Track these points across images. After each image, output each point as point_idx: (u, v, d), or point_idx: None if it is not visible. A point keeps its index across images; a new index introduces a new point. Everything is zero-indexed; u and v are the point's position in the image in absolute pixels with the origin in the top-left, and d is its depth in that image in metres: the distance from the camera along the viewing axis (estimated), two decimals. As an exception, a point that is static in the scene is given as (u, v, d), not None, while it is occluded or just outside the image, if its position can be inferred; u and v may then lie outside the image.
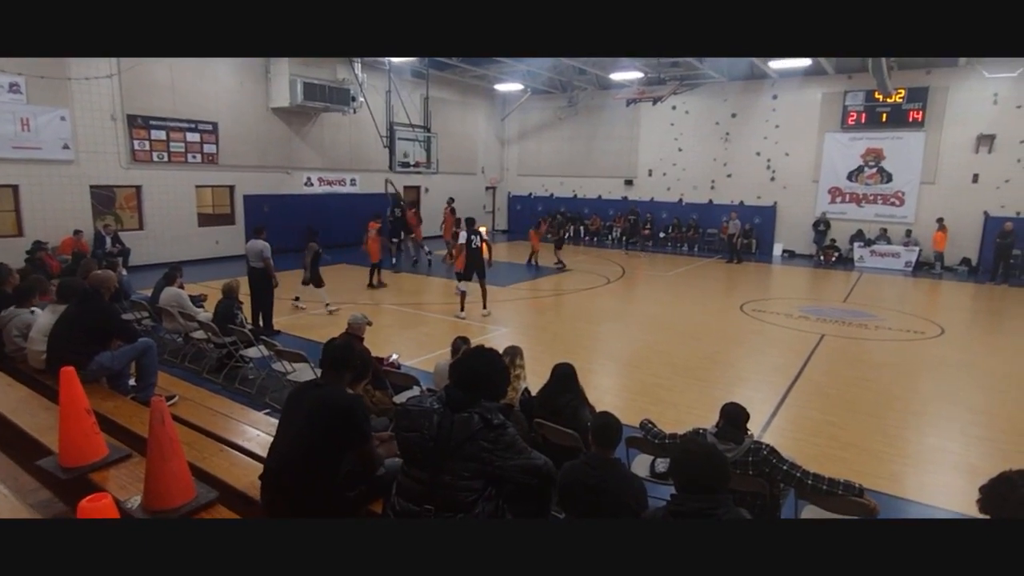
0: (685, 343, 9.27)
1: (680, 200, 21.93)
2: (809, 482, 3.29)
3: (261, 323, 9.00)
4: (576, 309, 11.64)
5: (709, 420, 3.86)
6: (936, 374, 8.25)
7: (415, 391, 5.17)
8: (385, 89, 18.48)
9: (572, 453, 3.72)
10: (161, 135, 14.70)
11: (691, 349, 8.92)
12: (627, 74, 19.18)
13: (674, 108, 21.27)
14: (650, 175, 22.54)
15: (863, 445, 5.76)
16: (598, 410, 4.50)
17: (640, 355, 8.72)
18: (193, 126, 15.29)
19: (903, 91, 17.62)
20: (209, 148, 15.71)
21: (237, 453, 3.64)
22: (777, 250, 20.08)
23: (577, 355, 8.02)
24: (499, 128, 25.58)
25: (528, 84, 22.27)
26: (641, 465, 4.21)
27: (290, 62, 15.98)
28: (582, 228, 23.31)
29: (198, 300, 8.35)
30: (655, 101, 19.57)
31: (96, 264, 7.49)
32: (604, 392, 7.10)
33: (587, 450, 3.59)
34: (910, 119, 17.74)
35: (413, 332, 9.48)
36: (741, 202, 20.68)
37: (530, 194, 25.05)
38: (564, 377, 4.11)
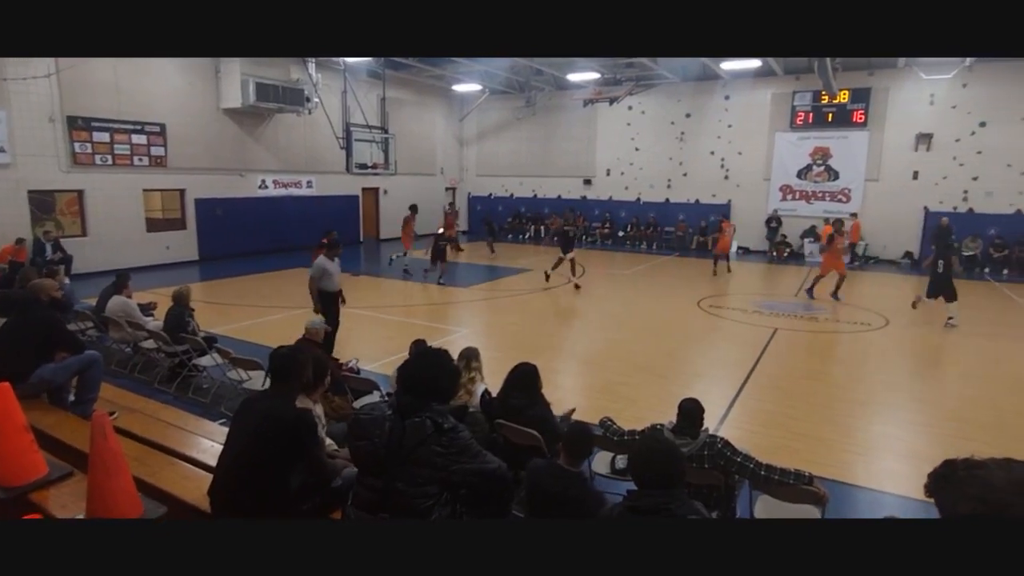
0: (644, 340, 9.41)
1: (638, 199, 22.28)
2: (762, 473, 3.38)
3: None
4: (537, 309, 11.69)
5: (668, 415, 3.93)
6: (882, 364, 8.59)
7: (375, 396, 5.11)
8: (340, 90, 18.22)
9: (533, 453, 3.74)
10: (104, 137, 14.13)
11: (650, 346, 9.07)
12: (584, 75, 19.38)
13: (630, 108, 21.59)
14: (608, 174, 22.83)
15: (815, 435, 5.96)
16: (559, 411, 4.55)
17: (601, 353, 8.81)
18: (139, 128, 14.75)
19: (847, 92, 18.30)
20: (157, 150, 15.18)
21: (189, 466, 3.53)
22: (733, 247, 20.56)
23: (539, 354, 8.04)
24: (458, 129, 25.51)
25: (486, 84, 22.27)
26: (602, 462, 4.26)
27: (241, 61, 15.57)
28: (542, 228, 23.43)
29: (147, 308, 8.06)
30: (611, 101, 19.84)
31: (36, 273, 7.15)
32: (566, 391, 7.15)
33: (549, 453, 3.62)
34: (854, 119, 18.44)
35: (373, 335, 9.37)
36: (697, 200, 21.13)
37: (490, 194, 25.06)
38: (525, 377, 4.12)
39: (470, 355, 4.39)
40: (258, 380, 5.78)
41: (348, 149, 17.65)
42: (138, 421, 4.31)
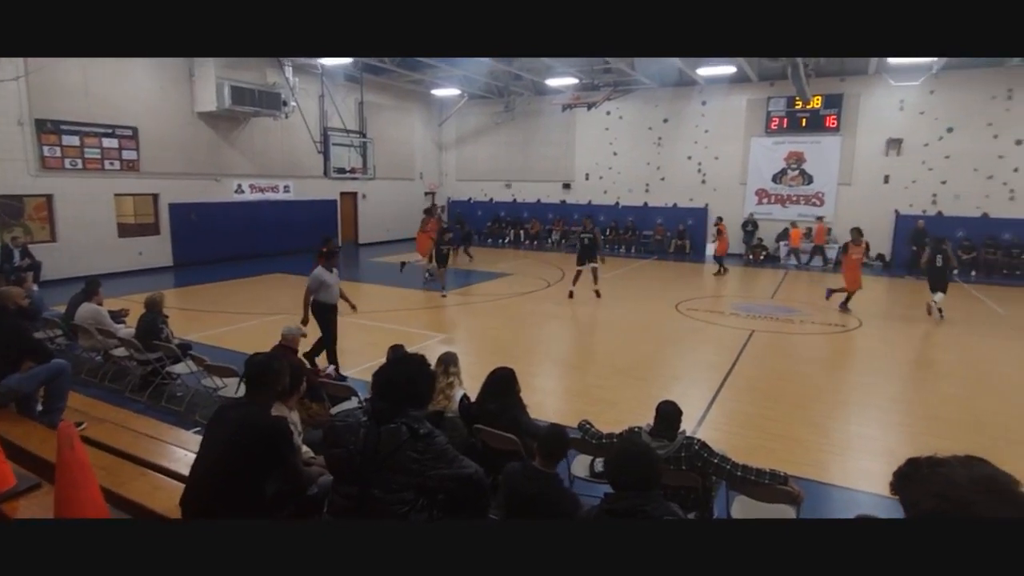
0: (623, 343, 9.46)
1: (617, 203, 22.43)
2: (738, 473, 3.42)
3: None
4: (517, 313, 11.69)
5: (647, 418, 3.95)
6: (856, 365, 8.75)
7: (353, 402, 5.06)
8: (318, 94, 18.10)
9: (512, 457, 3.73)
10: (74, 141, 13.84)
11: (629, 349, 9.12)
12: (562, 80, 19.49)
13: (608, 113, 21.75)
14: (587, 179, 22.96)
15: (791, 435, 6.04)
16: (539, 414, 4.55)
17: (580, 356, 8.84)
18: (110, 131, 14.48)
19: (820, 98, 18.66)
20: (129, 154, 14.91)
21: (161, 476, 3.46)
22: (709, 250, 20.78)
23: (518, 358, 8.05)
24: (437, 133, 25.47)
25: (465, 89, 22.29)
26: (581, 465, 4.26)
27: (216, 64, 15.38)
28: (522, 232, 23.49)
29: (119, 315, 7.89)
30: (590, 107, 19.97)
31: (4, 280, 6.98)
32: (545, 395, 7.16)
33: (527, 456, 3.61)
34: (827, 124, 18.80)
35: (353, 342, 9.28)
36: (675, 204, 21.35)
37: (469, 199, 25.05)
38: (502, 381, 4.11)
39: (448, 360, 4.37)
40: (233, 387, 5.69)
41: (326, 153, 17.55)
42: (108, 431, 4.21)
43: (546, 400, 6.91)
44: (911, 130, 17.97)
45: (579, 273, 12.81)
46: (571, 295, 12.63)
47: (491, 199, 24.76)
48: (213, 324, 9.99)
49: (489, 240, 23.55)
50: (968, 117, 17.25)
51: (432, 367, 3.89)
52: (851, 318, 11.18)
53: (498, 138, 24.23)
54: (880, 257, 18.53)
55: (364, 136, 19.12)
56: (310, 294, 7.35)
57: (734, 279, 16.36)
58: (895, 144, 18.20)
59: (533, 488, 3.01)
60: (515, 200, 24.35)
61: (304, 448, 3.59)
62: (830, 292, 11.99)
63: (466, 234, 19.30)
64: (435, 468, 2.24)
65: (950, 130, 17.52)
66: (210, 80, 15.57)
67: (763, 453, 5.41)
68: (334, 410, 5.02)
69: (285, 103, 16.89)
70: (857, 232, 12.13)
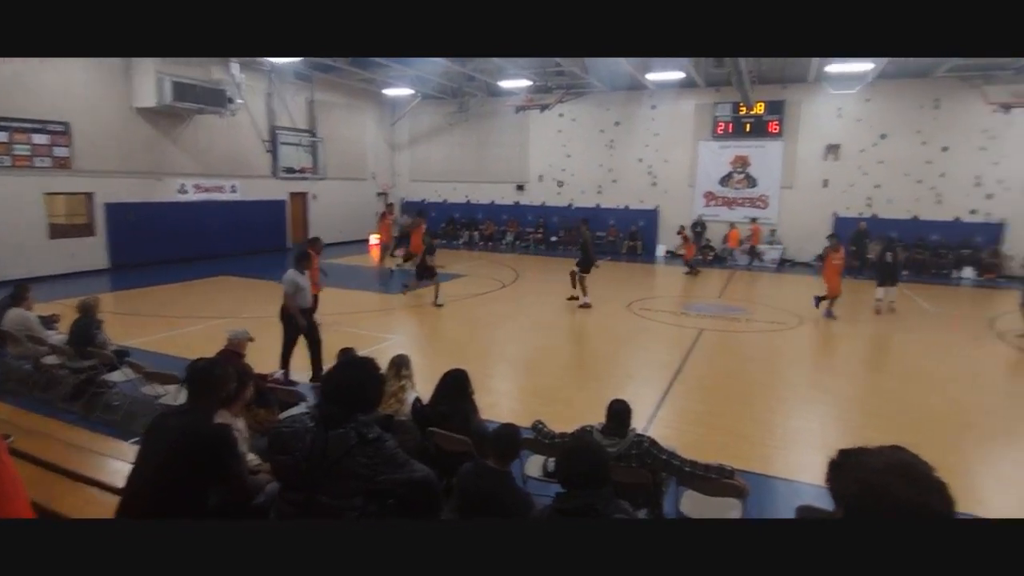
0: (577, 343, 9.57)
1: (570, 204, 22.67)
2: (687, 469, 3.51)
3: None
4: (471, 314, 11.67)
5: (600, 417, 4.00)
6: (797, 361, 9.09)
7: (303, 407, 4.94)
8: (266, 91, 17.63)
9: (465, 459, 3.72)
10: (1, 137, 13.07)
11: (583, 349, 9.23)
12: (515, 82, 19.56)
13: (561, 116, 21.97)
14: (541, 180, 23.12)
15: (737, 431, 6.23)
16: (494, 415, 4.56)
17: (534, 357, 8.89)
18: (40, 127, 13.73)
19: (763, 104, 19.33)
20: (61, 151, 14.17)
21: (95, 490, 3.30)
22: (660, 251, 21.28)
23: (473, 360, 8.04)
24: (389, 133, 25.19)
25: (418, 89, 22.09)
26: (534, 466, 4.29)
27: (155, 59, 14.78)
28: (476, 233, 23.46)
29: (50, 321, 7.48)
30: (543, 108, 20.13)
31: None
32: (500, 395, 7.18)
33: (480, 457, 3.61)
34: (770, 129, 19.50)
35: (302, 345, 9.07)
36: (626, 206, 21.72)
37: (423, 200, 24.84)
38: (455, 383, 4.10)
39: (400, 363, 4.33)
40: (176, 395, 5.48)
41: (274, 153, 17.13)
42: (38, 443, 3.99)
43: (501, 401, 6.92)
44: (848, 136, 18.82)
45: (581, 279, 12.27)
46: (588, 304, 12.05)
47: (445, 200, 24.63)
48: (154, 329, 9.60)
49: (443, 241, 23.40)
50: (900, 125, 18.20)
51: (384, 370, 3.85)
52: (792, 316, 11.61)
53: (452, 139, 24.14)
54: (820, 258, 19.29)
55: (314, 135, 18.74)
56: (291, 299, 7.06)
57: (684, 280, 16.76)
58: (833, 149, 19.03)
59: (486, 487, 3.02)
60: (469, 201, 24.30)
61: (251, 456, 3.49)
62: (817, 301, 11.75)
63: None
64: (384, 473, 2.21)
65: (884, 137, 18.44)
66: (150, 75, 14.95)
67: (711, 448, 5.56)
68: (283, 415, 4.90)
69: (231, 100, 16.37)
70: (835, 239, 12.17)
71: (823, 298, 11.66)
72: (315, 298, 9.57)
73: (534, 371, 8.21)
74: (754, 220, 19.61)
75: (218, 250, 17.51)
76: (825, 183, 19.26)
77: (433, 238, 13.22)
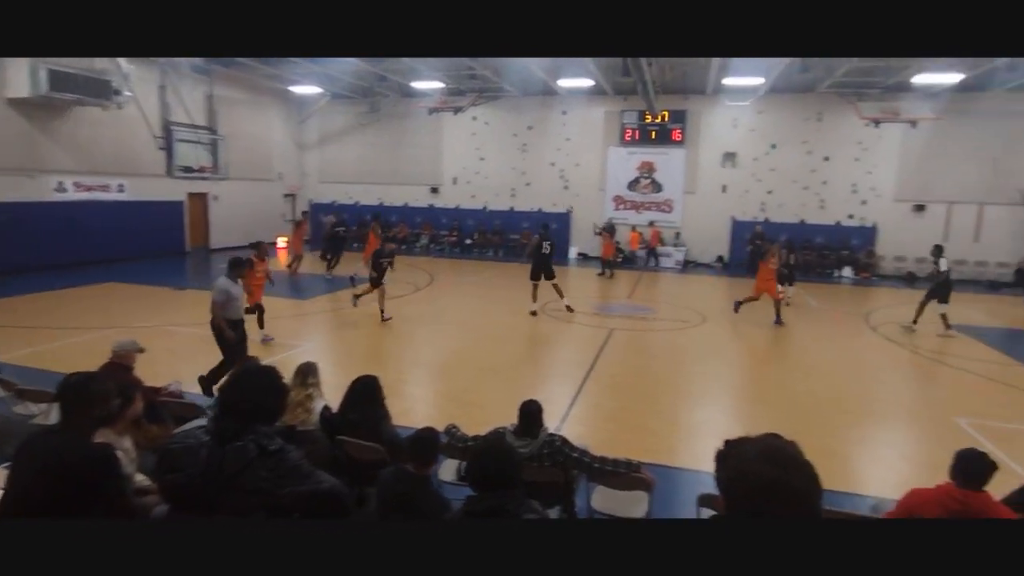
0: (491, 346, 9.61)
1: (484, 207, 22.76)
2: (596, 466, 3.61)
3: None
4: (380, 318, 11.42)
5: (514, 419, 4.03)
6: (701, 357, 9.58)
7: (201, 422, 4.65)
8: (158, 84, 16.46)
9: (378, 467, 3.64)
10: None
11: (497, 351, 9.28)
12: (428, 83, 19.42)
13: (475, 119, 22.04)
14: (455, 183, 23.07)
15: (646, 426, 6.48)
16: (408, 421, 4.49)
17: (448, 361, 8.84)
18: None
19: (667, 113, 20.29)
20: (-87, 144, 12.58)
21: (-47, 523, 2.94)
22: (572, 253, 21.79)
23: (385, 365, 7.89)
24: (297, 132, 24.25)
25: (327, 88, 21.43)
26: (448, 470, 4.26)
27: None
28: (390, 236, 23.02)
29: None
30: (456, 111, 20.13)
31: None
32: (414, 401, 7.08)
33: (394, 463, 3.55)
34: (673, 137, 20.52)
35: (201, 355, 8.54)
36: (540, 209, 22.08)
37: (333, 202, 24.10)
38: (365, 389, 4.01)
39: (307, 371, 4.17)
40: (49, 414, 4.99)
41: (169, 150, 16.00)
42: None
43: (416, 406, 6.83)
44: (743, 145, 20.13)
45: (557, 289, 11.78)
46: (535, 312, 11.61)
47: (357, 202, 24.00)
48: (29, 342, 8.72)
49: (355, 244, 22.78)
50: (788, 135, 19.68)
51: (290, 378, 3.69)
52: (695, 314, 12.23)
53: (364, 139, 23.60)
54: (720, 259, 20.53)
55: (214, 133, 17.68)
56: (219, 309, 6.56)
57: (597, 281, 17.24)
58: (730, 157, 20.29)
59: (405, 492, 3.03)
60: (382, 203, 23.81)
61: (140, 477, 3.24)
62: (738, 305, 11.91)
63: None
64: (288, 486, 2.11)
65: (774, 146, 19.87)
66: (22, 63, 13.57)
67: (622, 444, 5.73)
68: (179, 431, 4.58)
69: (118, 92, 15.14)
70: (775, 244, 12.40)
71: (777, 310, 11.66)
72: (260, 307, 9.10)
73: (449, 375, 8.16)
74: (651, 223, 20.52)
75: (106, 254, 16.15)
76: (724, 189, 20.48)
77: (388, 242, 11.67)
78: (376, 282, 10.62)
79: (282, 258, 18.88)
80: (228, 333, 6.60)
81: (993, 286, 17.77)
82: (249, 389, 2.16)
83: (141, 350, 5.07)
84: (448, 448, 4.10)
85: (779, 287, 12.78)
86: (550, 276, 11.71)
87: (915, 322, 11.22)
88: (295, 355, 8.36)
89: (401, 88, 21.29)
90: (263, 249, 9.64)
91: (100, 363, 4.80)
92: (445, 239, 22.68)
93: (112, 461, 2.24)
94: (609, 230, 18.38)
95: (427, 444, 3.19)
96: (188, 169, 16.49)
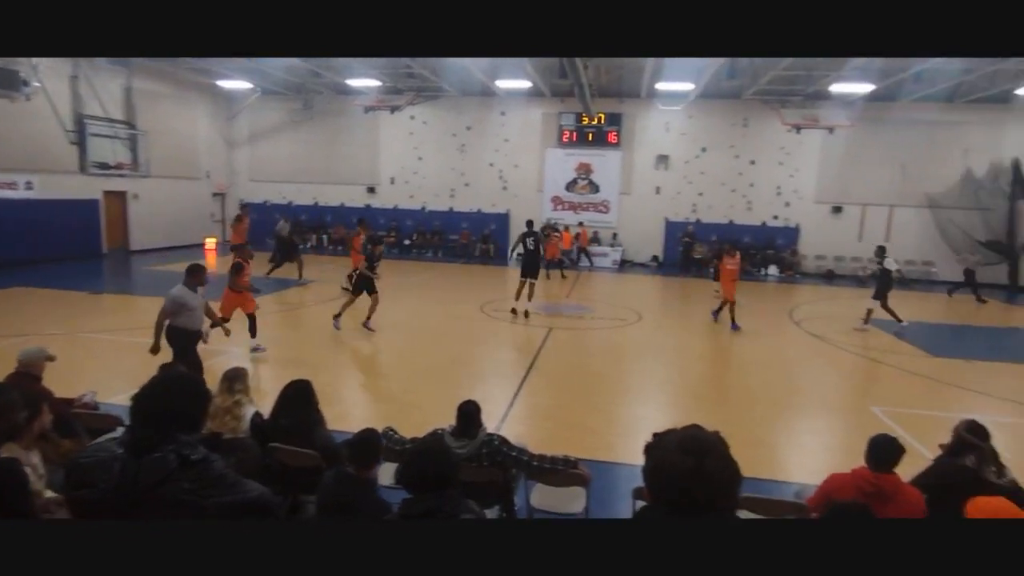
0: (430, 347, 9.52)
1: (423, 207, 22.55)
2: (534, 464, 3.63)
3: None
4: (318, 322, 11.12)
5: (453, 419, 4.00)
6: (637, 354, 9.82)
7: (117, 434, 4.38)
8: (70, 74, 15.41)
9: (312, 473, 3.53)
10: None
11: (436, 352, 9.20)
12: (364, 81, 19.05)
13: (412, 118, 21.81)
14: (392, 183, 22.74)
15: (584, 423, 6.57)
16: (346, 425, 4.38)
17: (386, 363, 8.71)
18: None
19: (603, 116, 20.70)
20: None
21: None
22: (512, 254, 21.88)
23: (321, 369, 7.68)
24: (226, 129, 23.26)
25: (257, 83, 20.66)
26: (386, 474, 4.18)
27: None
28: (325, 237, 22.48)
29: None
30: (393, 110, 19.85)
31: None
32: (352, 404, 6.94)
33: (331, 467, 3.46)
34: (609, 140, 20.96)
35: (119, 364, 8.06)
36: (479, 210, 22.08)
37: (265, 201, 23.26)
38: (297, 394, 3.88)
39: (233, 377, 3.99)
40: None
41: (82, 145, 15.01)
42: None
43: (353, 410, 6.68)
44: (675, 148, 20.80)
45: (522, 285, 11.69)
46: (515, 312, 11.54)
47: (290, 202, 23.24)
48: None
49: (339, 247, 22.15)
50: (717, 140, 20.47)
51: (218, 384, 3.53)
52: (631, 312, 12.52)
53: (297, 137, 22.90)
54: (655, 258, 21.14)
55: (133, 127, 16.73)
56: (165, 317, 6.06)
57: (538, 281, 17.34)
58: (663, 160, 20.92)
59: (346, 496, 2.95)
60: (317, 203, 23.19)
61: (49, 493, 3.02)
62: (716, 314, 11.84)
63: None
64: (212, 496, 2.00)
65: (704, 150, 20.63)
66: (-90, 47, 12.38)
67: (560, 442, 5.80)
68: (91, 444, 4.30)
69: (26, 83, 14.07)
70: (730, 245, 12.30)
71: (720, 308, 11.71)
72: (252, 319, 8.58)
73: (387, 377, 8.03)
74: (581, 224, 20.86)
75: (11, 256, 14.99)
76: (657, 190, 21.09)
77: (376, 244, 10.74)
78: (370, 290, 9.95)
79: (211, 260, 18.10)
80: (155, 343, 6.15)
81: (903, 283, 19.05)
82: (166, 396, 2.05)
83: (51, 358, 4.72)
84: (385, 451, 4.03)
85: (715, 284, 13.31)
86: (532, 275, 11.66)
87: (900, 320, 11.60)
88: (222, 362, 8.01)
89: (336, 85, 20.80)
90: (247, 252, 9.17)
91: (5, 373, 4.46)
92: (383, 240, 22.26)
93: (17, 476, 2.08)
94: (547, 230, 18.56)
95: (368, 446, 3.12)
96: (104, 165, 15.51)
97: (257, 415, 3.96)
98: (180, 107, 20.69)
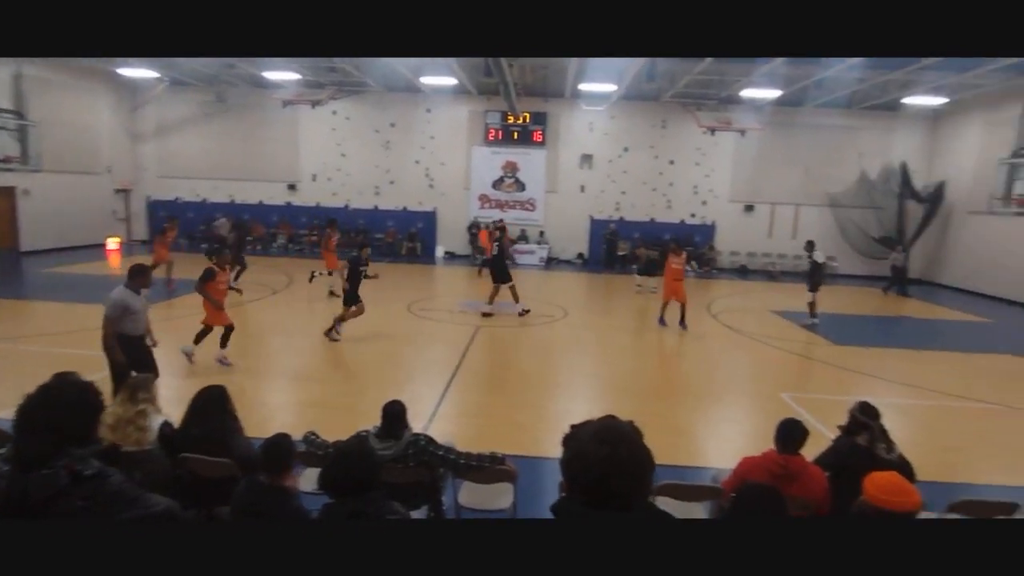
0: (356, 348, 9.30)
1: (347, 205, 21.99)
2: (461, 462, 3.62)
3: None
4: (238, 324, 10.62)
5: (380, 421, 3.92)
6: (563, 350, 9.99)
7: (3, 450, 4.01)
8: (-55, 58, 13.98)
9: (226, 484, 3.36)
10: None
11: (362, 353, 9.01)
12: (282, 74, 18.31)
13: (335, 113, 21.21)
14: (314, 180, 22.02)
15: (512, 419, 6.62)
16: (268, 431, 4.17)
17: (310, 366, 8.43)
18: None
19: (528, 115, 20.90)
20: None
21: None
22: (439, 252, 21.75)
23: (240, 375, 7.34)
24: (130, 121, 21.75)
25: (164, 73, 19.43)
26: (309, 479, 4.05)
27: None
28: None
29: None
30: (314, 105, 19.21)
31: None
32: (276, 409, 6.69)
33: (245, 476, 3.30)
34: (535, 138, 21.18)
35: (10, 375, 7.38)
36: (405, 208, 21.77)
37: (176, 198, 21.98)
38: (210, 401, 3.69)
39: (136, 385, 3.73)
40: None
41: (-38, 136, 13.66)
42: None
43: (276, 415, 6.44)
44: (599, 148, 21.30)
45: (496, 290, 11.72)
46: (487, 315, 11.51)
47: (205, 200, 22.07)
48: None
49: (204, 244, 20.96)
50: (638, 140, 21.13)
51: (120, 393, 3.30)
52: (558, 309, 12.72)
53: (211, 131, 21.74)
54: (580, 256, 21.57)
55: (23, 118, 15.38)
56: (113, 326, 5.54)
57: (461, 279, 17.35)
58: (587, 159, 21.38)
59: (260, 506, 2.79)
60: (234, 201, 22.11)
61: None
62: (663, 319, 11.61)
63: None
64: (110, 514, 1.87)
65: (626, 150, 21.23)
66: None
67: (489, 439, 5.81)
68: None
69: None
70: (676, 244, 12.30)
71: (664, 308, 11.55)
72: (229, 329, 7.92)
73: (309, 380, 7.77)
74: (499, 221, 20.79)
75: None
76: (582, 189, 21.52)
77: (364, 247, 10.10)
78: (352, 299, 9.38)
79: (113, 261, 16.94)
80: (117, 356, 5.60)
81: (832, 276, 20.36)
82: (54, 407, 1.89)
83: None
84: (308, 456, 3.90)
85: (638, 278, 13.71)
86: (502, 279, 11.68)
87: (813, 317, 12.17)
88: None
89: (251, 78, 19.88)
90: (224, 257, 8.49)
91: None
92: (305, 239, 21.58)
93: None
94: (473, 228, 18.52)
95: (278, 450, 2.95)
96: (-11, 159, 14.19)
97: (166, 425, 3.73)
98: (77, 97, 19.17)
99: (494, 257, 11.91)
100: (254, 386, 7.30)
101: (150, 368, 5.61)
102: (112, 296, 5.67)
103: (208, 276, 7.85)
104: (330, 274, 13.00)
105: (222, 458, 3.52)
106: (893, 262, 17.73)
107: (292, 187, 22.05)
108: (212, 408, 3.65)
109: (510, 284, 11.75)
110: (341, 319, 9.41)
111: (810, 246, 12.52)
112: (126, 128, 21.59)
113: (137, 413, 3.54)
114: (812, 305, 12.14)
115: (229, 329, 7.95)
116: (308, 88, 19.32)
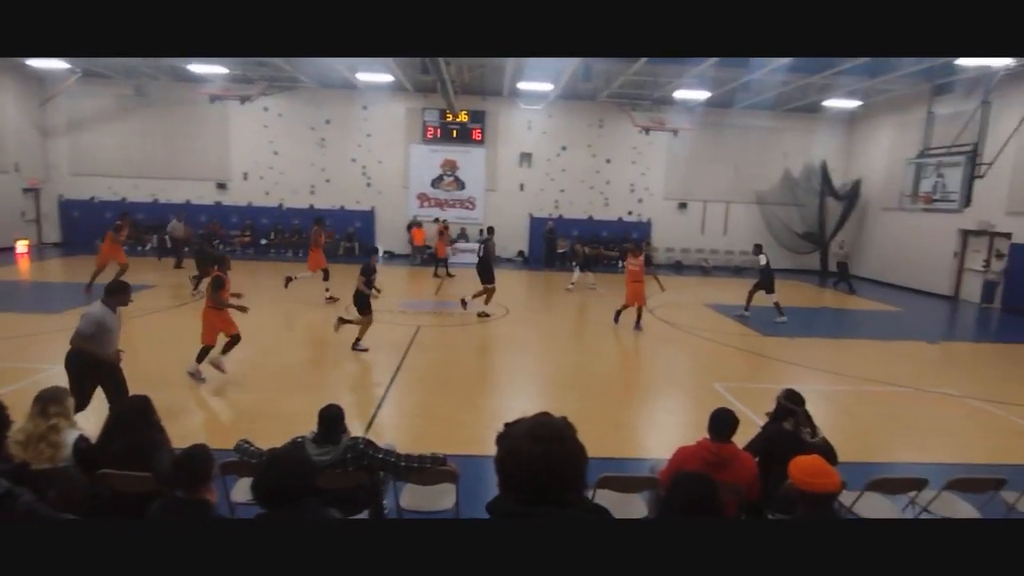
0: (293, 353, 9.04)
1: (280, 205, 21.29)
2: (402, 464, 3.57)
3: None
4: (162, 331, 10.12)
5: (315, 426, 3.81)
6: (505, 348, 10.02)
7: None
8: None
9: (149, 499, 3.19)
10: None
11: (299, 359, 8.76)
12: (207, 67, 17.53)
13: (266, 109, 20.49)
14: (246, 178, 21.20)
15: (454, 418, 6.59)
16: (193, 442, 3.97)
17: (244, 373, 8.09)
18: None
19: (467, 113, 20.82)
20: None
21: None
22: (380, 252, 21.35)
23: (166, 385, 6.98)
24: (38, 115, 20.26)
25: (76, 64, 18.22)
26: (242, 490, 3.89)
27: None
28: (167, 238, 20.36)
29: None
30: (243, 100, 18.49)
31: None
32: (203, 419, 6.42)
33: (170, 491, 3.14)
34: (474, 136, 21.13)
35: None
36: (342, 207, 21.27)
37: (92, 198, 20.67)
38: (132, 413, 3.49)
39: (48, 398, 3.46)
40: None
41: None
42: None
43: (205, 425, 6.16)
44: (538, 146, 21.47)
45: (489, 292, 11.92)
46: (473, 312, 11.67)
47: (124, 199, 20.84)
48: None
49: (125, 247, 19.78)
50: (576, 139, 21.43)
51: (30, 407, 3.07)
52: (499, 307, 12.75)
53: (129, 127, 20.54)
54: (520, 254, 21.70)
55: (-87, 110, 14.07)
56: (87, 342, 5.17)
57: (401, 278, 17.12)
58: (527, 158, 21.51)
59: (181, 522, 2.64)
60: (157, 201, 20.99)
61: None
62: (617, 315, 11.65)
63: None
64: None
65: (564, 148, 21.50)
66: None
67: (431, 438, 5.77)
68: None
69: None
70: (634, 244, 12.15)
71: (622, 309, 11.51)
72: (236, 339, 7.47)
73: (242, 388, 7.46)
74: (437, 220, 20.60)
75: None
76: (522, 187, 21.65)
77: (373, 254, 10.21)
78: (365, 309, 9.13)
79: (24, 266, 15.80)
80: (102, 355, 5.32)
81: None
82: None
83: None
84: (241, 466, 3.75)
85: (577, 274, 13.91)
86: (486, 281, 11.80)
87: (747, 309, 12.68)
88: (40, 380, 7.01)
89: (173, 70, 18.95)
90: (227, 261, 7.93)
91: None
92: (236, 239, 20.75)
93: None
94: (412, 227, 18.28)
95: (192, 462, 2.75)
96: None
97: (81, 439, 3.50)
98: (-23, 88, 17.72)
99: (481, 259, 12.05)
100: (179, 395, 6.97)
101: (121, 391, 5.36)
102: (91, 312, 5.35)
103: (219, 285, 7.43)
104: (325, 278, 12.80)
105: (146, 473, 3.33)
106: (838, 259, 18.73)
107: (222, 186, 21.16)
108: (135, 420, 3.45)
109: (491, 287, 11.88)
110: (362, 331, 9.15)
111: (758, 249, 13.04)
112: (33, 123, 20.11)
113: (49, 428, 3.30)
114: (778, 304, 12.45)
115: (236, 338, 7.62)
116: (237, 83, 18.55)
